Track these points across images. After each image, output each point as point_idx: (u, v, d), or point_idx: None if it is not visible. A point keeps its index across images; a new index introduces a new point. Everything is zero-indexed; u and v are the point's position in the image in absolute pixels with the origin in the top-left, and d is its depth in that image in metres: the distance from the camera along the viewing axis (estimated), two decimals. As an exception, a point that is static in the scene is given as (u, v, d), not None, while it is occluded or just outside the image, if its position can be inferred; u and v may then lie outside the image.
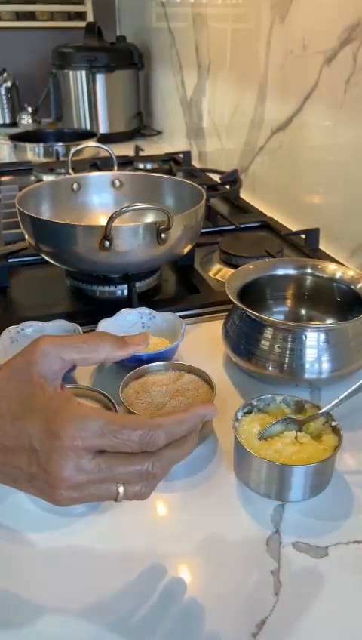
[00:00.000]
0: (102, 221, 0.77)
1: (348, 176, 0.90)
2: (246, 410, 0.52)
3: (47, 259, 0.76)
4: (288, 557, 0.43)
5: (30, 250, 0.82)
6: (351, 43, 0.83)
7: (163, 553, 0.43)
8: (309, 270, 0.69)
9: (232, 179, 1.24)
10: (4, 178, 1.40)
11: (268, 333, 0.59)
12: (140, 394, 0.56)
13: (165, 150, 1.63)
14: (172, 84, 1.67)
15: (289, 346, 0.58)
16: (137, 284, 0.77)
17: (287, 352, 0.58)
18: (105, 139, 1.57)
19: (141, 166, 1.44)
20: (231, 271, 0.74)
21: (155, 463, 0.36)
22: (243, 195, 1.22)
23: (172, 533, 0.45)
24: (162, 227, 0.69)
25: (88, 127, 1.80)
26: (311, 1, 0.93)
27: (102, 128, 1.81)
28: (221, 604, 0.39)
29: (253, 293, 0.66)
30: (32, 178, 1.36)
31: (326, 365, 0.58)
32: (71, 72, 1.75)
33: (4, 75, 1.98)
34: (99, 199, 0.92)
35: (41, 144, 1.49)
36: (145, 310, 0.68)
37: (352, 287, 0.65)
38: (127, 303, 0.74)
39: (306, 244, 0.95)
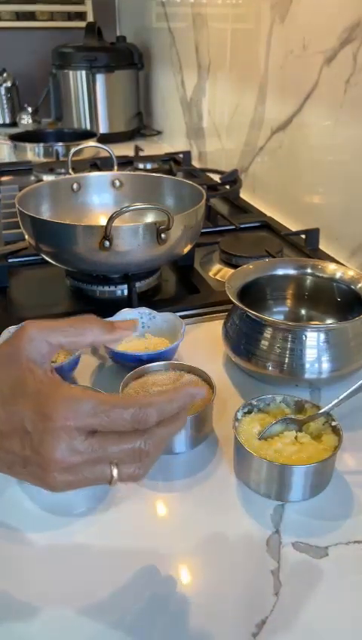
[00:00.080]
0: (102, 221, 0.77)
1: (348, 176, 0.90)
2: (246, 410, 0.52)
3: (47, 259, 0.76)
4: (288, 557, 0.43)
5: (30, 250, 0.82)
6: (351, 43, 0.83)
7: (163, 553, 0.43)
8: (309, 270, 0.69)
9: (232, 179, 1.24)
10: (4, 178, 1.40)
11: (268, 333, 0.59)
12: (140, 394, 0.55)
13: (165, 150, 1.63)
14: (172, 84, 1.67)
15: (289, 346, 0.58)
16: (137, 284, 0.77)
17: (287, 352, 0.58)
18: (105, 139, 1.57)
19: (141, 166, 1.44)
20: (231, 271, 0.74)
21: (148, 441, 0.36)
22: (243, 195, 1.22)
23: (172, 533, 0.45)
24: (162, 227, 0.69)
25: (88, 127, 1.80)
26: (311, 1, 0.93)
27: (102, 128, 1.81)
28: (221, 603, 0.39)
29: (253, 293, 0.66)
30: (32, 178, 1.36)
31: (326, 365, 0.58)
32: (71, 72, 1.76)
33: (4, 75, 1.99)
34: (99, 199, 0.92)
35: (41, 144, 1.49)
36: (145, 310, 0.68)
37: (352, 287, 0.65)
38: (127, 303, 0.74)
39: (306, 244, 0.95)
